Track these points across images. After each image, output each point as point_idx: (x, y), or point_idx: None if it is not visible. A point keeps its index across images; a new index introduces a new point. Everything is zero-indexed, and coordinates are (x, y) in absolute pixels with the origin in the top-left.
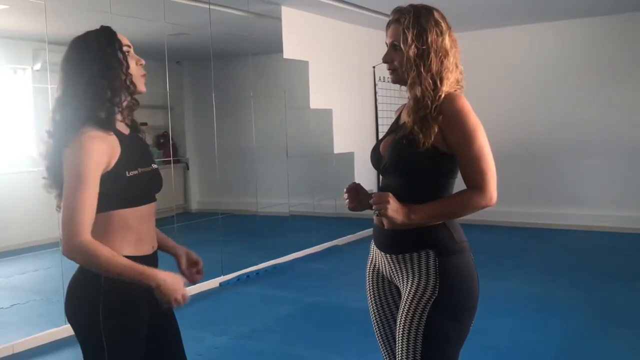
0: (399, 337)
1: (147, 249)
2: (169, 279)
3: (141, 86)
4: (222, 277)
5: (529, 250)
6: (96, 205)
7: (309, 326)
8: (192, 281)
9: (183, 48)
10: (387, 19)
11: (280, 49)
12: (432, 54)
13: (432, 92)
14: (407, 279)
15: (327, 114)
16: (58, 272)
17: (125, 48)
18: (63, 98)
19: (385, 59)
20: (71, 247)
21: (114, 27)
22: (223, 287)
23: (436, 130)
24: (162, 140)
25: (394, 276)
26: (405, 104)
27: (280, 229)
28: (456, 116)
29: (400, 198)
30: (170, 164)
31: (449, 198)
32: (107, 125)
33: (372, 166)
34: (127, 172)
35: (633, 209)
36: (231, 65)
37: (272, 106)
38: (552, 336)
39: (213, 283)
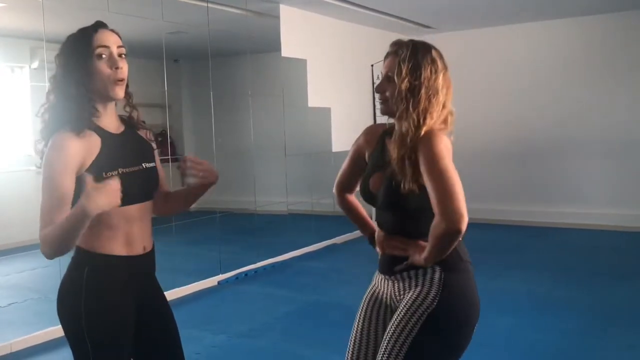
0: (385, 340)
1: (137, 249)
2: (93, 197)
3: (114, 92)
4: (220, 275)
5: (527, 249)
6: (70, 206)
7: (307, 324)
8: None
9: (181, 46)
10: (385, 18)
11: (278, 48)
12: (423, 91)
13: (414, 130)
14: (409, 290)
15: (325, 112)
16: (56, 270)
17: (99, 50)
18: (48, 97)
19: (378, 89)
20: (40, 238)
21: (111, 25)
22: (221, 286)
23: (415, 170)
24: (160, 139)
25: (395, 296)
26: (379, 130)
27: (278, 228)
28: (428, 153)
29: (395, 232)
30: (168, 162)
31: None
32: (78, 127)
33: (363, 198)
34: (104, 174)
35: (631, 208)
36: (229, 63)
37: (270, 105)
38: (550, 335)
39: (211, 282)
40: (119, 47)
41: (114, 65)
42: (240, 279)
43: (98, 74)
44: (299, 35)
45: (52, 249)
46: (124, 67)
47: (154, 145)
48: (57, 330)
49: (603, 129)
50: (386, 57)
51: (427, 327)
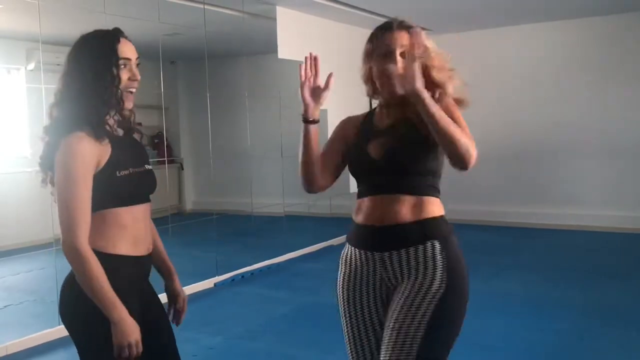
0: (395, 329)
1: (142, 250)
2: (128, 322)
3: (128, 101)
4: (216, 277)
5: (522, 250)
6: (90, 204)
7: (304, 326)
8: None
9: (177, 48)
10: (382, 20)
11: (275, 49)
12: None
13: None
14: (410, 273)
15: (322, 114)
16: (52, 272)
17: (122, 61)
18: (60, 95)
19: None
20: (67, 248)
21: (107, 27)
22: (218, 288)
23: None
24: (156, 141)
25: (390, 276)
26: (356, 119)
27: (275, 229)
28: (451, 102)
29: (400, 192)
30: (165, 164)
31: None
32: (95, 132)
33: (359, 170)
34: (117, 172)
35: (626, 209)
36: (226, 65)
37: (267, 106)
38: (546, 336)
39: (208, 283)
40: (136, 58)
41: (133, 77)
42: (236, 281)
43: (119, 79)
44: (295, 37)
45: (73, 267)
46: (138, 79)
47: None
48: (52, 332)
49: (598, 131)
50: (391, 30)
51: (442, 307)
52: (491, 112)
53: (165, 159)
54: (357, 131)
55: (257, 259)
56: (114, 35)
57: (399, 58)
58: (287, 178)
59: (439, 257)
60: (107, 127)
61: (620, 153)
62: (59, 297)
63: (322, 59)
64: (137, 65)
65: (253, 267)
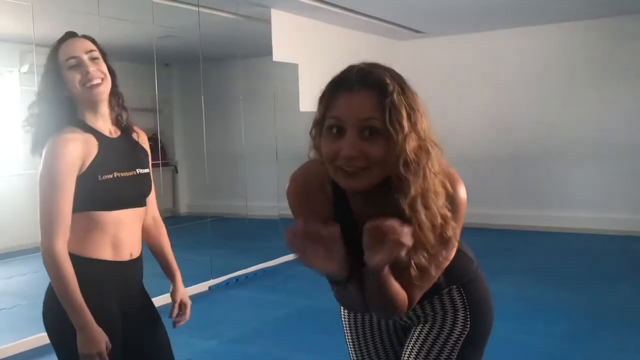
0: None
1: (124, 255)
2: (93, 331)
3: (91, 94)
4: (211, 280)
5: (517, 253)
6: (71, 208)
7: (298, 330)
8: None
9: (172, 50)
10: (377, 23)
11: (269, 52)
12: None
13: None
14: (427, 319)
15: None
16: (45, 276)
17: (69, 62)
18: (31, 107)
19: (352, 150)
20: (44, 251)
21: (101, 29)
22: (212, 291)
23: None
24: (150, 143)
25: (405, 321)
26: (317, 183)
27: (269, 232)
28: (462, 204)
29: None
30: (159, 167)
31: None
32: (69, 124)
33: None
34: (99, 176)
35: (620, 212)
36: (220, 67)
37: (262, 109)
38: (541, 338)
39: (202, 287)
40: (87, 52)
41: (83, 71)
42: (231, 284)
43: (70, 82)
44: (290, 39)
45: (48, 270)
46: (94, 70)
47: (148, 151)
48: (46, 337)
49: (592, 133)
50: (349, 90)
51: (465, 350)
52: (486, 115)
53: (160, 161)
54: (332, 207)
55: (252, 262)
56: (59, 40)
57: (350, 140)
58: (282, 181)
59: (459, 301)
60: (94, 127)
61: (615, 156)
62: (43, 303)
63: (317, 62)
64: (94, 58)
65: (248, 271)
